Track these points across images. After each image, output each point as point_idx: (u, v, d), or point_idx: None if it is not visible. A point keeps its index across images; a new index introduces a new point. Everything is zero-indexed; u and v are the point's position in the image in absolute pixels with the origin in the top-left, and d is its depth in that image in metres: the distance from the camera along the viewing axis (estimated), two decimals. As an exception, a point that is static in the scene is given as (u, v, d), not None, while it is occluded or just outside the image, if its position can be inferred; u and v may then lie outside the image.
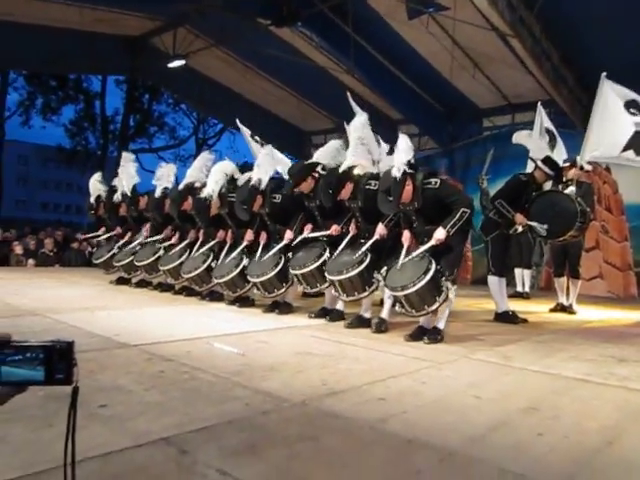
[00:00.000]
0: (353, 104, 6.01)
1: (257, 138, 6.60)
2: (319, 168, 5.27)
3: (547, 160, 5.70)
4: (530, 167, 6.26)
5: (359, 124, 5.09)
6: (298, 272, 5.14)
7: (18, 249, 10.80)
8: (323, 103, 13.66)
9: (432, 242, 4.29)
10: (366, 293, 4.74)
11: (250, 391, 2.74)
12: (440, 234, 4.27)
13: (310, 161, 5.40)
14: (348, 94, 6.07)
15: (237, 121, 7.34)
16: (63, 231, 13.89)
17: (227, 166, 6.44)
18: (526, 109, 8.71)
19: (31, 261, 10.72)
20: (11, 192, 33.77)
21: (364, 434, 2.22)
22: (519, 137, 6.42)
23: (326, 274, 4.85)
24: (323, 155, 5.33)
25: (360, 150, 4.99)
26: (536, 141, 6.24)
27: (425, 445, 2.11)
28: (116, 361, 3.28)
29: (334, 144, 5.41)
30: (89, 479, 1.71)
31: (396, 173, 4.28)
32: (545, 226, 5.47)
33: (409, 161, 4.35)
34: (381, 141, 5.48)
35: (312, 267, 5.05)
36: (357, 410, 2.50)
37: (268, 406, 2.52)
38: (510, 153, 9.50)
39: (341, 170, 4.93)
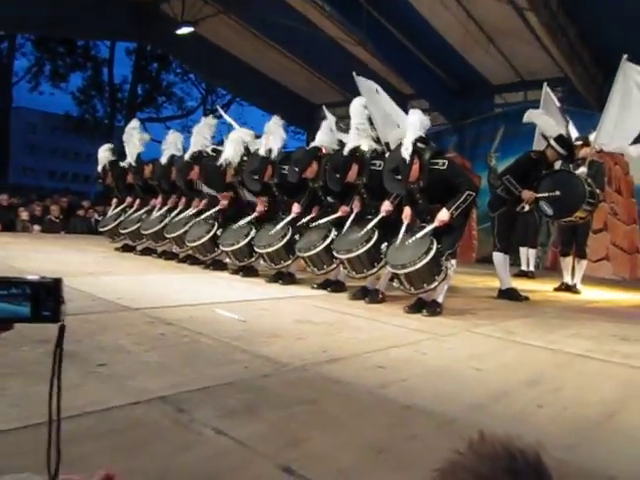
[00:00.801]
0: (358, 82, 5.93)
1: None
2: (324, 151, 5.32)
3: (560, 139, 5.59)
4: (538, 145, 6.16)
5: (357, 107, 5.05)
6: (305, 255, 5.12)
7: (24, 215, 10.81)
8: (333, 75, 13.44)
9: (435, 224, 4.29)
10: (375, 269, 4.71)
11: (250, 355, 2.74)
12: (444, 216, 4.25)
13: (312, 145, 5.42)
14: (354, 74, 6.00)
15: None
16: (69, 198, 13.87)
17: (246, 135, 6.38)
18: (539, 86, 8.50)
19: (37, 227, 10.74)
20: (19, 159, 33.77)
21: (362, 399, 2.21)
22: (532, 115, 6.28)
23: (334, 252, 4.82)
24: (322, 139, 5.40)
25: (359, 134, 4.97)
26: (549, 119, 6.12)
27: (423, 411, 2.10)
28: (117, 323, 3.29)
29: (327, 124, 5.48)
30: (86, 433, 1.71)
31: (405, 154, 4.21)
32: (550, 211, 5.40)
33: (420, 137, 4.29)
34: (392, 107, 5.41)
35: (318, 249, 5.03)
36: (356, 376, 2.50)
37: (267, 370, 2.51)
38: (521, 131, 9.32)
39: (345, 152, 4.90)
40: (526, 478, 0.57)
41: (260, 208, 5.87)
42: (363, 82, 5.70)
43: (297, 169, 5.25)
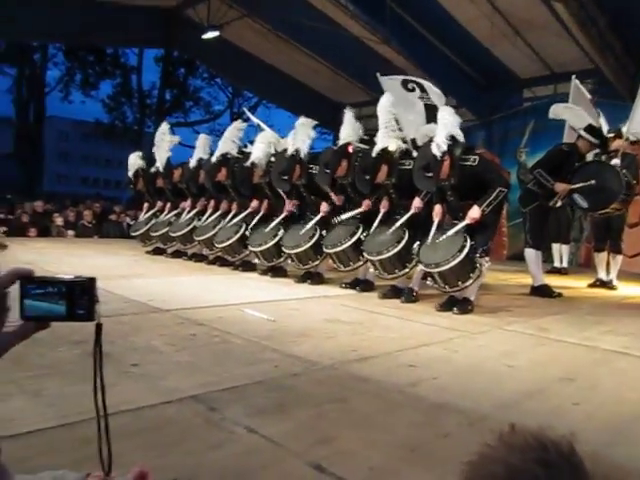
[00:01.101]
0: (383, 83, 5.90)
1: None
2: (350, 148, 5.27)
3: (590, 128, 5.47)
4: (568, 138, 6.02)
5: (384, 106, 5.01)
6: (331, 251, 5.12)
7: (59, 220, 11.08)
8: (357, 75, 13.39)
9: (467, 221, 4.26)
10: (406, 270, 4.68)
11: (280, 354, 2.75)
12: (475, 213, 4.20)
13: (340, 144, 5.38)
14: (378, 75, 5.99)
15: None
16: (102, 204, 14.17)
17: (271, 136, 6.45)
18: (569, 79, 8.34)
19: (70, 232, 10.99)
20: (53, 167, 34.64)
21: (393, 397, 2.19)
22: (557, 110, 6.14)
23: (365, 254, 4.80)
24: (347, 133, 5.35)
25: (387, 134, 4.92)
26: (576, 111, 5.98)
27: (455, 409, 2.07)
28: (149, 324, 3.34)
29: (350, 117, 5.41)
30: (120, 432, 1.73)
31: (436, 151, 4.19)
32: (585, 203, 5.28)
33: (451, 136, 4.25)
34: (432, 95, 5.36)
35: (345, 246, 5.02)
36: (387, 375, 2.48)
37: (297, 369, 2.52)
38: (551, 125, 9.13)
39: (374, 154, 4.87)
40: (559, 469, 0.55)
41: (289, 208, 5.89)
42: (387, 81, 5.68)
43: (328, 171, 5.24)
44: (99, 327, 0.90)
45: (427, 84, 5.44)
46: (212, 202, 7.00)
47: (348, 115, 5.45)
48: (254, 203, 6.33)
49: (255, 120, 7.52)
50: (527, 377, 2.58)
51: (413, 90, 5.36)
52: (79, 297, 0.86)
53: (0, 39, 19.25)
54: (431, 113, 5.04)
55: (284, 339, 3.09)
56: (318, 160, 5.53)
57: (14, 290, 0.80)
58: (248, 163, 6.21)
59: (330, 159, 5.31)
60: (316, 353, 2.79)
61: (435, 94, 5.25)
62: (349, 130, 5.36)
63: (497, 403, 2.16)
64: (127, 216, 12.30)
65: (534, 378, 2.57)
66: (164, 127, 8.18)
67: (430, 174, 4.25)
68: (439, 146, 4.21)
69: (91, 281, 0.87)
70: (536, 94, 11.89)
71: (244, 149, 6.74)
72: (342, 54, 12.69)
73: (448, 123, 4.28)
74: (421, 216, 4.70)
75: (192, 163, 7.32)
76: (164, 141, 7.97)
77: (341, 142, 5.39)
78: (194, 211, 7.23)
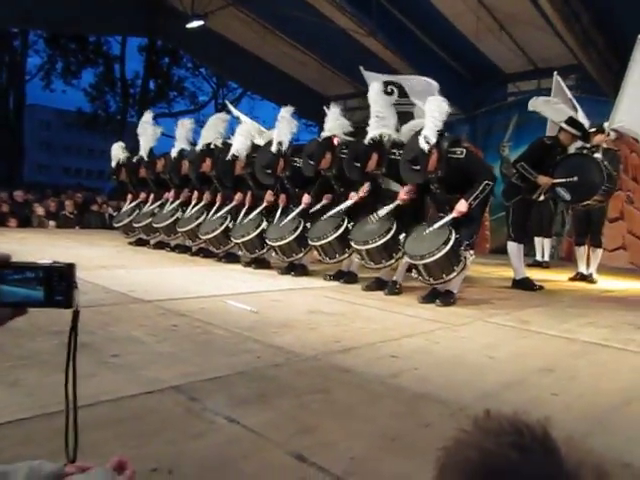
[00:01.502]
0: (367, 77, 5.89)
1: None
2: (335, 140, 5.26)
3: (571, 121, 5.52)
4: (550, 132, 6.07)
5: (374, 95, 4.98)
6: (317, 243, 5.11)
7: (40, 210, 10.92)
8: (344, 67, 13.34)
9: (454, 214, 4.25)
10: (392, 260, 4.68)
11: (262, 345, 2.74)
12: (463, 207, 4.21)
13: (323, 136, 5.37)
14: (362, 69, 5.96)
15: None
16: (84, 194, 13.98)
17: (252, 128, 6.42)
18: (553, 74, 8.42)
19: (52, 222, 10.84)
20: (34, 157, 34.08)
21: (375, 388, 2.20)
22: (536, 104, 6.17)
23: (352, 243, 4.79)
24: (332, 126, 5.33)
25: (378, 122, 4.90)
26: (554, 105, 6.03)
27: (436, 400, 2.08)
28: (130, 315, 3.31)
29: (334, 111, 5.40)
30: (99, 421, 1.72)
31: (424, 144, 4.18)
32: (567, 195, 5.33)
33: (439, 130, 4.24)
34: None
35: (331, 238, 5.01)
36: (369, 365, 2.49)
37: (279, 359, 2.51)
38: (534, 120, 9.19)
39: (366, 141, 4.84)
40: (533, 453, 0.55)
41: (268, 199, 5.87)
42: (371, 77, 5.67)
43: (312, 162, 5.24)
44: (76, 314, 0.88)
45: (413, 79, 5.45)
46: (195, 193, 6.95)
47: (333, 109, 5.43)
48: (238, 196, 6.29)
49: (235, 112, 7.48)
50: (508, 368, 2.60)
51: (391, 93, 5.37)
52: (57, 283, 0.85)
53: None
54: (403, 120, 5.08)
55: (266, 330, 3.08)
56: (302, 152, 5.52)
57: None
58: (229, 155, 6.20)
59: (314, 150, 5.31)
60: (298, 344, 2.79)
61: (423, 85, 5.25)
62: (333, 123, 5.35)
63: (478, 394, 2.18)
64: (109, 207, 12.16)
65: (514, 369, 2.59)
66: (147, 116, 8.09)
67: (417, 167, 4.25)
68: (428, 139, 4.20)
69: (70, 267, 0.86)
70: (520, 89, 11.97)
71: (228, 140, 6.70)
72: (328, 46, 12.64)
73: (437, 115, 4.27)
74: (408, 207, 4.70)
75: (173, 153, 7.27)
76: (147, 131, 7.89)
77: (325, 134, 5.38)
78: (177, 202, 7.17)
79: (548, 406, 2.08)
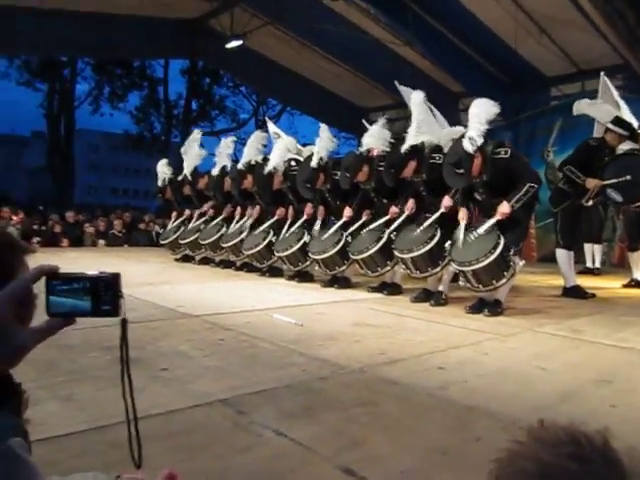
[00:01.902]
0: (403, 92, 5.87)
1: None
2: (375, 152, 5.24)
3: (617, 120, 5.33)
4: (597, 134, 5.89)
5: (416, 103, 4.95)
6: (358, 257, 5.09)
7: (90, 230, 11.31)
8: (380, 78, 13.33)
9: (496, 217, 4.17)
10: (439, 268, 4.62)
11: (308, 358, 2.74)
12: (505, 208, 4.13)
13: (361, 150, 5.38)
14: (397, 84, 5.93)
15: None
16: (131, 213, 14.40)
17: (289, 142, 6.55)
18: (597, 75, 8.17)
19: (101, 241, 11.21)
20: (83, 179, 35.38)
21: (422, 400, 2.16)
22: (580, 107, 6.01)
23: (396, 252, 4.75)
24: (372, 140, 5.32)
25: (419, 130, 4.86)
26: (600, 106, 5.84)
27: (486, 412, 2.03)
28: (178, 329, 3.38)
29: (375, 127, 5.41)
30: (150, 435, 1.74)
31: (468, 147, 4.11)
32: (619, 197, 5.14)
33: (484, 133, 4.16)
34: (437, 113, 5.38)
35: (372, 251, 4.98)
36: (416, 378, 2.45)
37: (325, 372, 2.50)
38: (579, 123, 8.93)
39: (403, 149, 4.82)
40: (594, 464, 0.52)
41: (308, 211, 5.91)
42: (407, 92, 5.66)
43: (348, 175, 5.25)
44: (124, 322, 0.90)
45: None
46: (239, 209, 7.05)
47: (375, 125, 5.42)
48: (280, 210, 6.35)
49: (272, 129, 7.60)
50: (561, 380, 2.51)
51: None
52: (103, 293, 0.87)
53: (32, 54, 19.79)
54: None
55: (312, 343, 3.08)
56: (340, 165, 5.54)
57: (40, 287, 0.81)
58: (266, 170, 6.30)
59: (351, 163, 5.31)
60: (344, 357, 2.77)
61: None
62: (370, 139, 5.34)
63: (530, 406, 2.11)
64: (156, 225, 12.47)
65: (568, 380, 2.50)
66: (196, 135, 8.26)
67: (461, 171, 4.17)
68: (473, 140, 4.11)
69: (115, 277, 0.88)
70: (563, 92, 11.68)
71: (268, 156, 6.81)
72: (365, 58, 12.68)
73: (483, 116, 4.19)
74: (451, 215, 4.62)
75: (215, 171, 7.43)
76: (192, 150, 8.06)
77: (364, 148, 5.37)
78: (220, 217, 7.29)
79: (605, 419, 1.99)
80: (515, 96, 12.16)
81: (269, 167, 6.32)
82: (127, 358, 0.94)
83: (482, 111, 4.18)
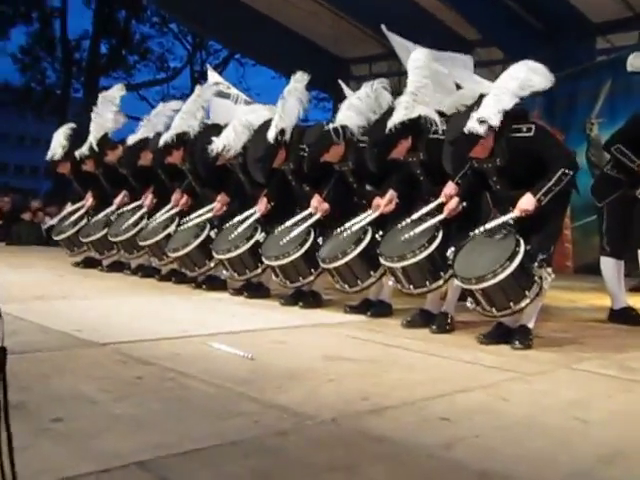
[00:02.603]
0: (392, 39, 5.93)
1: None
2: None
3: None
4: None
5: (418, 63, 4.93)
6: (331, 266, 5.13)
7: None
8: (367, 18, 13.42)
9: (515, 213, 4.21)
10: (440, 282, 4.66)
11: (261, 405, 2.74)
12: (528, 203, 4.15)
13: (331, 126, 5.37)
14: (384, 28, 5.98)
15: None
16: (12, 198, 14.16)
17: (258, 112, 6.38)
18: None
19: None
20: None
21: (420, 463, 2.18)
22: (636, 62, 6.17)
23: (382, 260, 4.78)
24: (351, 117, 5.33)
25: (415, 100, 4.87)
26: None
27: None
28: (77, 363, 3.33)
29: (363, 94, 5.40)
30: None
31: (475, 127, 4.07)
32: None
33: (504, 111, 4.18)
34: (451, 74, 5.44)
35: (351, 256, 5.01)
36: (411, 432, 2.47)
37: (286, 424, 2.50)
38: (634, 85, 9.20)
39: (391, 124, 4.82)
40: None
41: (261, 207, 5.90)
42: (401, 45, 5.71)
43: (311, 152, 5.31)
44: (3, 352, 0.89)
45: (446, 55, 5.49)
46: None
47: (365, 89, 5.42)
48: (221, 197, 6.32)
49: (216, 80, 7.56)
50: (606, 435, 2.57)
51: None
52: None
53: None
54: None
55: (266, 384, 3.08)
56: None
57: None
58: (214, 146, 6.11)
59: (317, 139, 5.34)
60: (311, 403, 2.78)
61: (459, 62, 5.32)
62: (353, 113, 5.33)
63: (565, 471, 2.15)
64: (47, 215, 12.29)
65: (615, 436, 2.56)
66: (116, 92, 8.14)
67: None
68: (485, 123, 4.13)
69: None
70: (614, 44, 11.93)
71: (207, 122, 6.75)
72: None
73: (516, 91, 4.19)
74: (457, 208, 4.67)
75: (131, 140, 7.34)
76: (107, 109, 7.93)
77: (337, 124, 5.38)
78: (136, 204, 7.22)
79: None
80: (549, 48, 12.38)
81: (217, 144, 6.07)
82: (6, 403, 0.93)
83: (522, 83, 4.19)
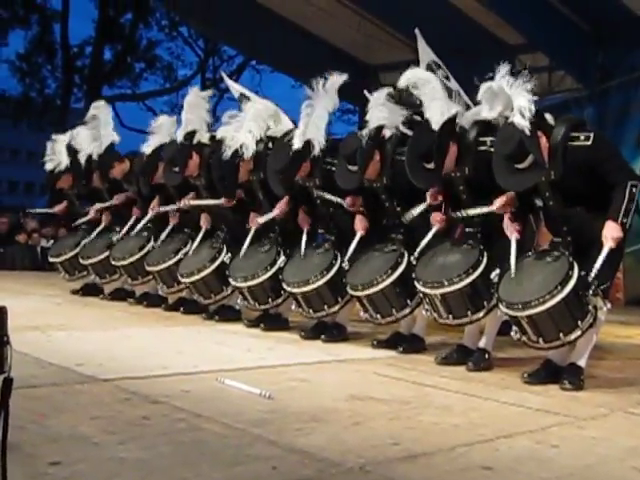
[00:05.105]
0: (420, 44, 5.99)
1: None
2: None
3: None
4: None
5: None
6: (362, 293, 5.13)
7: None
8: (399, 22, 13.48)
9: (609, 245, 4.04)
10: (483, 312, 4.63)
11: (279, 449, 2.73)
12: (614, 230, 4.03)
13: (365, 132, 5.33)
14: (418, 33, 6.05)
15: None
16: (8, 218, 14.28)
17: (268, 109, 6.45)
18: None
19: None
20: None
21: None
22: None
23: (419, 286, 4.74)
24: (383, 114, 5.32)
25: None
26: None
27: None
28: (78, 401, 3.35)
29: (377, 97, 5.41)
30: None
31: (520, 121, 4.04)
32: None
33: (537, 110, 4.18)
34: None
35: (385, 284, 5.01)
36: (448, 483, 2.46)
37: (307, 471, 2.50)
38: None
39: (435, 126, 4.75)
40: None
41: (278, 212, 5.90)
42: (427, 52, 5.79)
43: (354, 168, 5.24)
44: (8, 383, 0.89)
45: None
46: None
47: (376, 94, 5.42)
48: (252, 217, 6.23)
49: (234, 87, 7.60)
50: (669, 488, 2.54)
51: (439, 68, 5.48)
52: None
53: None
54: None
55: (286, 426, 3.08)
56: (338, 151, 5.52)
57: None
58: (229, 152, 6.06)
59: (358, 150, 5.29)
60: (336, 448, 2.77)
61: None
62: (382, 112, 5.32)
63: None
64: (43, 236, 12.40)
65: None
66: (101, 105, 8.23)
67: (523, 165, 4.16)
68: (525, 111, 4.08)
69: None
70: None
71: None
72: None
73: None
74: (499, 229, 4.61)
75: (146, 149, 7.32)
76: (109, 122, 8.02)
77: (371, 126, 5.37)
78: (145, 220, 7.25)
79: None
80: (600, 53, 12.38)
81: (232, 148, 6.03)
82: (5, 439, 0.93)
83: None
